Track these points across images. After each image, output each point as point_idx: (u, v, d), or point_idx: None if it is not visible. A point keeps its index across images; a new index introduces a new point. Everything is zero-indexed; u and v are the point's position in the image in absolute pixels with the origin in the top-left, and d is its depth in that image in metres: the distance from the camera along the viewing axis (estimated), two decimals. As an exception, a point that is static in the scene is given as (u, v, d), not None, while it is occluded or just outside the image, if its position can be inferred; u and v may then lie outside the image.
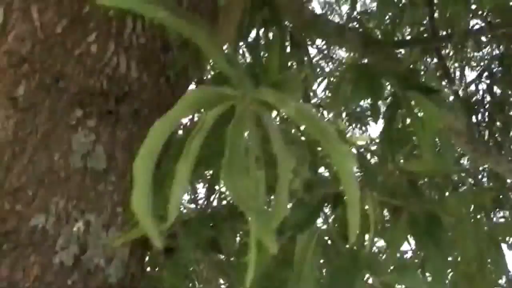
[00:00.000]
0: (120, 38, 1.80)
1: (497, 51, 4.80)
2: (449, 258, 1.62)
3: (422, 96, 1.48)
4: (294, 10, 2.61)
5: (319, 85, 4.64)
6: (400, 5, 4.01)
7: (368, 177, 1.43)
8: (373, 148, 4.00)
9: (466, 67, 4.98)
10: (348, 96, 1.57)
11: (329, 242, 1.59)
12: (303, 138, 1.60)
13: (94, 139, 1.67)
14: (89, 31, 1.78)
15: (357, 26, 4.53)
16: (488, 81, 4.43)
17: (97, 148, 1.67)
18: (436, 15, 3.64)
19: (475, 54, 5.28)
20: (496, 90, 4.40)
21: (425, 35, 4.56)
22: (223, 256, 2.20)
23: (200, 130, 0.69)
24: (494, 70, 4.45)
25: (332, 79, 4.52)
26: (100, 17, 1.80)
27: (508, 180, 4.09)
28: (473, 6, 4.04)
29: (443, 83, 4.83)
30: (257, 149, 0.72)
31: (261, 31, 1.89)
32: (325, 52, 4.98)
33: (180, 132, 2.02)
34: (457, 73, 4.72)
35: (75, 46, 1.75)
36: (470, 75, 4.91)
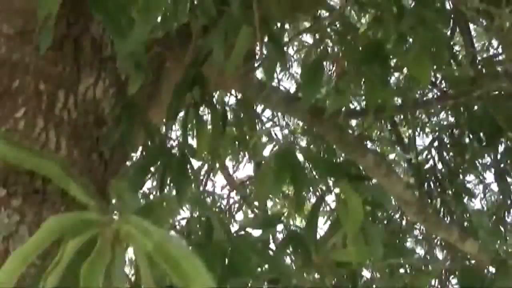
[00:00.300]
0: (50, 114, 1.75)
1: (451, 118, 4.84)
2: None
3: (348, 185, 1.46)
4: (239, 79, 2.59)
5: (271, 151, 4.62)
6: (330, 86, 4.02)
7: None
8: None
9: (421, 133, 5.00)
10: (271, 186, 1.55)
11: None
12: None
13: (18, 219, 1.60)
14: (18, 107, 1.72)
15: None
16: (439, 149, 4.44)
17: (20, 229, 1.59)
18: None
19: (430, 119, 5.31)
20: (448, 158, 4.41)
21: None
22: None
23: (58, 264, 0.64)
24: (445, 138, 4.46)
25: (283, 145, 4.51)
26: (30, 92, 1.75)
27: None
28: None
29: (398, 149, 4.85)
30: (122, 284, 0.66)
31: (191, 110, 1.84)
32: (275, 120, 4.99)
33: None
34: (411, 140, 4.73)
35: (2, 122, 1.69)
36: (425, 140, 4.93)
